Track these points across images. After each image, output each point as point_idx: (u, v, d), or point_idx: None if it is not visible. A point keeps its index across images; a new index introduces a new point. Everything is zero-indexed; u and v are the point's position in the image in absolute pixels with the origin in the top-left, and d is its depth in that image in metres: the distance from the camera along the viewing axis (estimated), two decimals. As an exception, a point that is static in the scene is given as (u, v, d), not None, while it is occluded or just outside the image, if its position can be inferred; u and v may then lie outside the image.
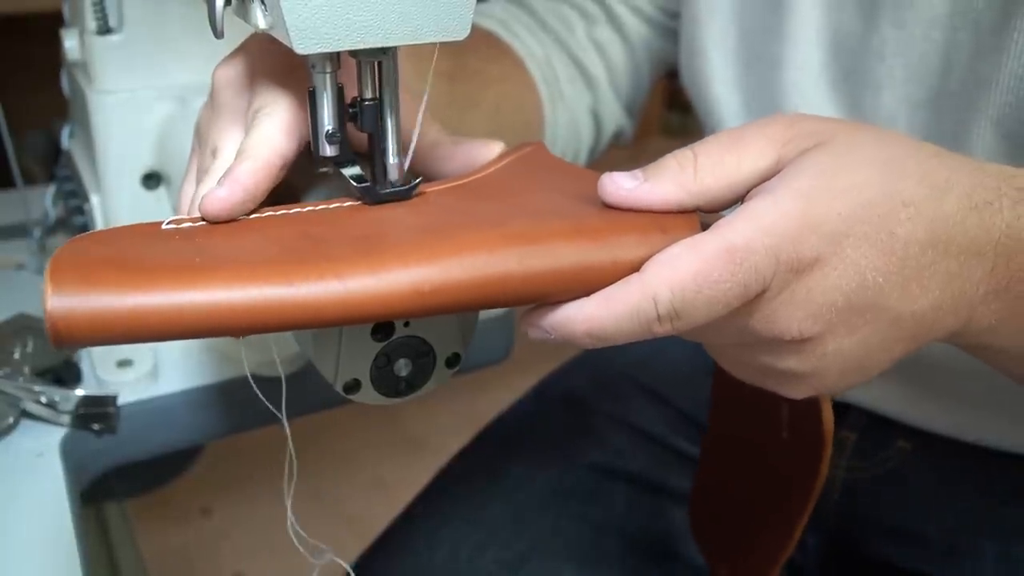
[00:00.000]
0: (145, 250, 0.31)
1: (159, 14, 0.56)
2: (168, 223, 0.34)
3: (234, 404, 0.59)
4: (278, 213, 0.36)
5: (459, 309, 0.31)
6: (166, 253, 0.31)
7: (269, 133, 0.36)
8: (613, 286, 0.32)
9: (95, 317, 0.28)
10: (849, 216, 0.31)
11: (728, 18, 0.58)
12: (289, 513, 0.39)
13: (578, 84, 0.66)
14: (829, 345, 0.33)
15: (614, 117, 0.69)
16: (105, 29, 0.56)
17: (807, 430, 0.41)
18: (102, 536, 0.95)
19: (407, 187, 0.37)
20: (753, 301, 0.32)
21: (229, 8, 0.35)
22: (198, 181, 0.39)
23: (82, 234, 0.32)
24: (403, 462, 1.63)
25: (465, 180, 0.39)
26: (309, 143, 0.38)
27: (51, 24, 0.68)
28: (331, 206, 0.36)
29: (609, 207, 0.34)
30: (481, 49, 0.61)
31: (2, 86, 0.67)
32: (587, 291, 0.32)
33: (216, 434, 0.60)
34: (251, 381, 0.37)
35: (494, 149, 0.42)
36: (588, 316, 0.32)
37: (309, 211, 0.36)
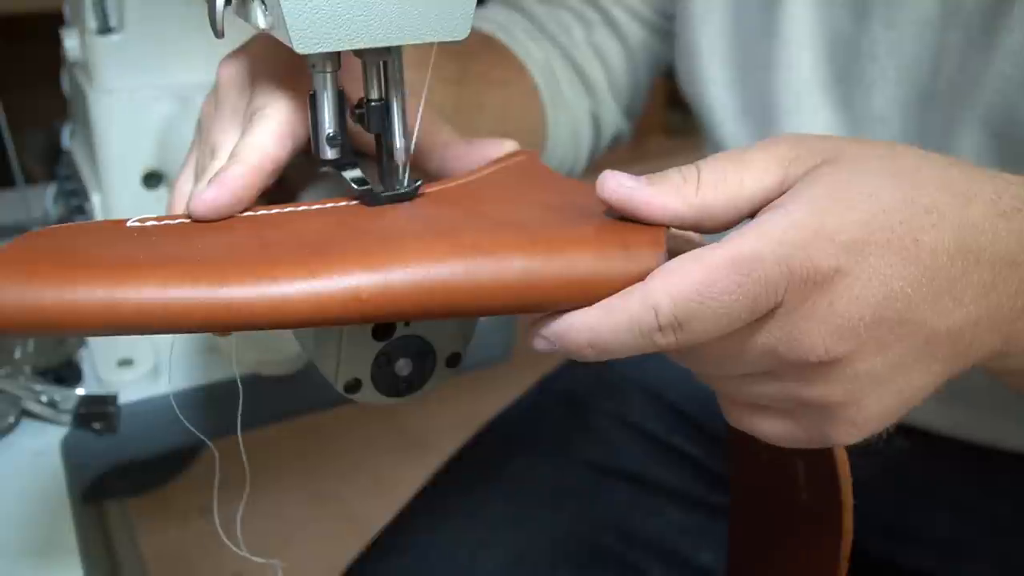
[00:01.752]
0: (93, 246, 0.32)
1: (159, 14, 0.56)
2: (133, 221, 0.34)
3: (234, 404, 0.59)
4: (244, 215, 0.36)
5: (404, 317, 0.31)
6: (113, 250, 0.31)
7: (262, 137, 0.36)
8: (615, 296, 0.31)
9: (26, 309, 0.28)
10: (869, 223, 0.30)
11: (722, 19, 0.58)
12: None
13: (578, 88, 0.67)
14: (860, 366, 0.31)
15: (613, 120, 0.69)
16: (105, 29, 0.56)
17: (823, 488, 0.39)
18: (102, 536, 0.95)
19: (408, 191, 0.37)
20: (769, 318, 0.30)
21: (229, 8, 0.36)
22: (196, 179, 0.39)
23: (39, 229, 0.33)
24: (403, 462, 1.63)
25: (444, 186, 0.39)
26: (308, 142, 0.38)
27: (51, 24, 0.68)
28: (300, 208, 0.36)
29: (579, 219, 0.33)
30: (485, 53, 0.61)
31: (2, 86, 0.67)
32: (541, 305, 0.32)
33: (216, 434, 0.60)
34: (173, 402, 0.38)
35: (506, 147, 0.42)
36: (589, 326, 0.31)
37: (276, 213, 0.36)
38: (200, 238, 0.34)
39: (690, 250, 0.30)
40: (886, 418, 0.33)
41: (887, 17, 0.50)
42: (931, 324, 0.31)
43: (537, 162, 0.42)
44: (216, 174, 0.35)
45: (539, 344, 0.33)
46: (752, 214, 0.33)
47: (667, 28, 0.66)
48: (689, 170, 0.33)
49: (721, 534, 0.62)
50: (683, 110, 0.69)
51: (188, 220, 0.35)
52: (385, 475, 1.61)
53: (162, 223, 0.35)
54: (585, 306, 0.31)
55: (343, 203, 0.37)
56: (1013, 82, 0.45)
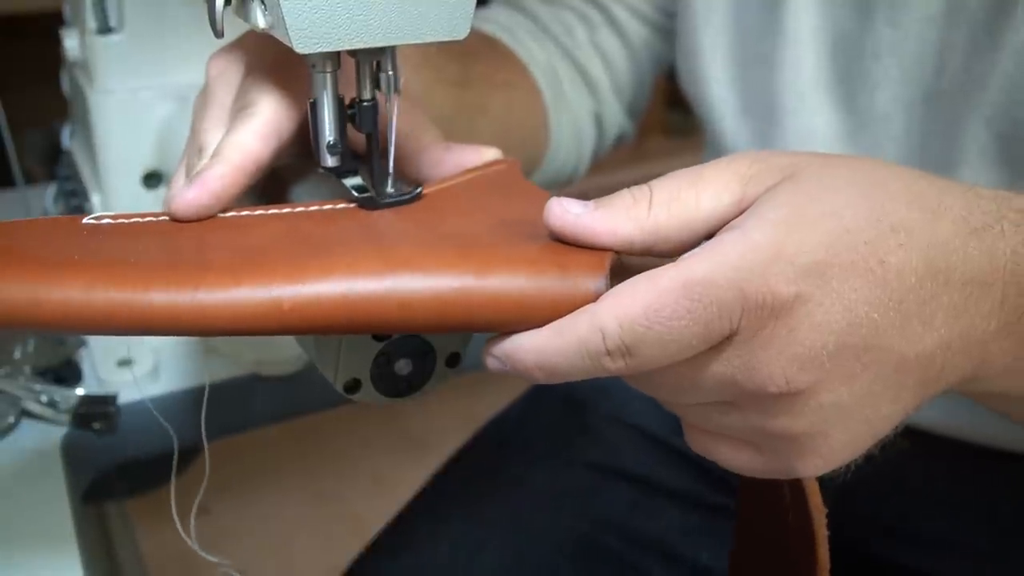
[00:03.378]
0: (35, 243, 0.31)
1: (159, 14, 0.56)
2: (89, 219, 0.34)
3: (234, 404, 0.59)
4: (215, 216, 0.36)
5: (327, 330, 0.31)
6: (53, 248, 0.31)
7: (245, 136, 0.36)
8: (565, 317, 0.30)
9: None
10: (832, 244, 0.28)
11: (724, 18, 0.58)
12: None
13: (581, 89, 0.67)
14: (824, 397, 0.29)
15: (616, 120, 0.69)
16: (105, 29, 0.56)
17: (801, 516, 0.37)
18: (102, 536, 0.95)
19: (407, 195, 0.37)
20: (726, 345, 0.29)
21: (229, 8, 0.36)
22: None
23: None
24: (403, 462, 1.63)
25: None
26: (294, 140, 0.38)
27: (51, 24, 0.68)
28: (256, 212, 0.36)
29: (530, 237, 0.33)
30: (488, 55, 0.61)
31: (2, 86, 0.67)
32: (472, 325, 0.31)
33: (216, 434, 0.60)
34: (150, 405, 0.37)
35: (486, 155, 0.42)
36: (537, 347, 0.30)
37: (232, 216, 0.36)
38: (146, 239, 0.33)
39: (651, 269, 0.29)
40: (854, 449, 0.31)
41: (891, 16, 0.50)
42: (899, 350, 0.29)
43: (515, 173, 0.42)
44: (197, 173, 0.35)
45: (490, 363, 0.31)
46: (709, 236, 0.31)
47: (669, 26, 0.66)
48: (640, 190, 0.31)
49: (721, 534, 0.62)
50: (683, 110, 0.69)
51: (143, 219, 0.35)
52: (385, 475, 1.61)
53: (117, 222, 0.34)
54: (522, 328, 0.31)
55: (299, 208, 0.36)
56: (1017, 81, 0.45)
